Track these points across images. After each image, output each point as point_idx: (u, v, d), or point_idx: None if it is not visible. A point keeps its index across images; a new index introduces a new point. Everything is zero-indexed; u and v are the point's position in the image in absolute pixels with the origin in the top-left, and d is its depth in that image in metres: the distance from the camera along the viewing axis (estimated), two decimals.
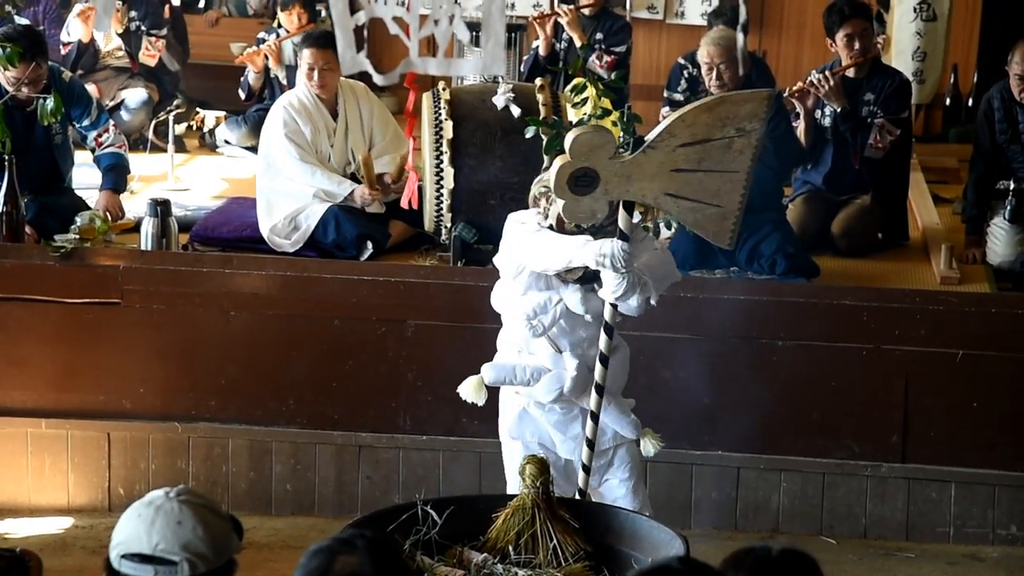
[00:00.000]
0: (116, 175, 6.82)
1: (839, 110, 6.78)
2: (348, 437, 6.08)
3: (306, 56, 6.73)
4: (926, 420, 5.89)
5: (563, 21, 8.40)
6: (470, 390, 4.67)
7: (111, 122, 6.95)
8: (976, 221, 6.74)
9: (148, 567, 2.67)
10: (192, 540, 2.68)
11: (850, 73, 6.88)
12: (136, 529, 2.70)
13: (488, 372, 4.63)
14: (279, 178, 6.64)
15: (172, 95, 8.83)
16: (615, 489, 4.71)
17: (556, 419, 4.66)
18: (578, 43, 8.30)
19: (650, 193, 4.29)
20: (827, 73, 6.81)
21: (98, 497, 6.15)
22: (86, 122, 6.76)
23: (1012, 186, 6.60)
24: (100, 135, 6.79)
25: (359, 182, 6.70)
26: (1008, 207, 6.61)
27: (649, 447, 4.63)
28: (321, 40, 6.71)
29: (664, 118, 8.00)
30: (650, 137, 4.27)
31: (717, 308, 5.91)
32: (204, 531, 2.69)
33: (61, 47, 8.48)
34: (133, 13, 8.73)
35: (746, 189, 4.37)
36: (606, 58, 8.32)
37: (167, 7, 9.17)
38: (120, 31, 8.66)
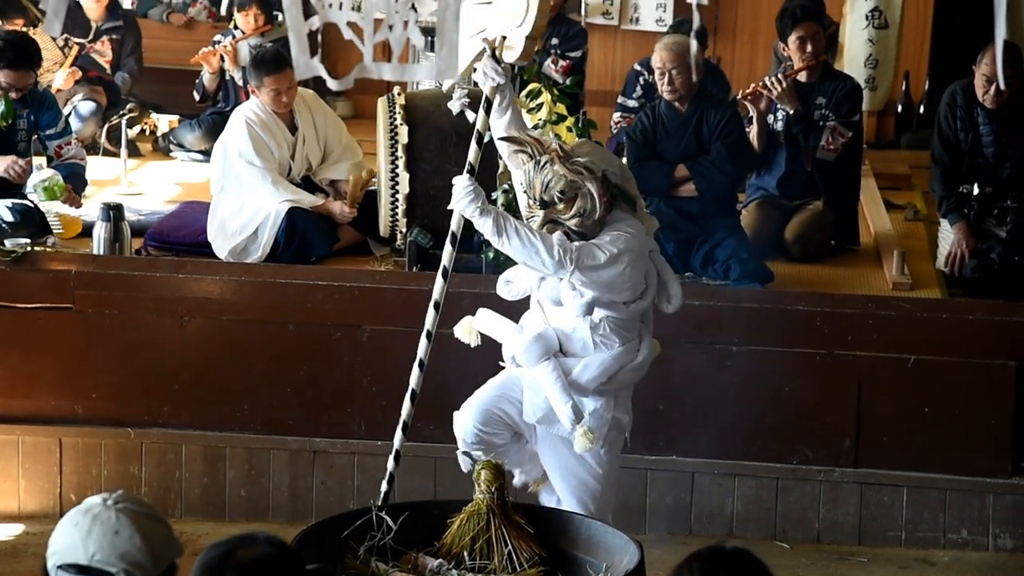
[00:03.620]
0: (75, 182, 6.78)
1: (791, 112, 6.83)
2: (303, 442, 6.06)
3: (269, 83, 6.59)
4: (878, 425, 5.92)
5: None
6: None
7: (74, 135, 6.96)
8: (957, 209, 6.59)
9: None
10: (130, 550, 2.63)
11: (802, 77, 6.93)
12: (72, 538, 2.65)
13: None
14: (240, 196, 6.56)
15: (123, 100, 8.77)
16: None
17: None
18: None
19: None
20: (779, 76, 6.86)
21: (49, 503, 6.10)
22: (51, 131, 6.77)
23: (975, 191, 6.62)
24: (62, 147, 6.80)
25: (312, 190, 6.73)
26: (973, 211, 6.61)
27: (578, 443, 4.49)
28: (277, 63, 6.59)
29: (615, 125, 8.15)
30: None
31: (671, 313, 5.92)
32: (142, 540, 2.65)
33: None
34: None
35: None
36: (561, 63, 8.33)
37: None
38: (66, 55, 8.54)
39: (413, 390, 4.61)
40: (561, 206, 4.38)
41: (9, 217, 6.47)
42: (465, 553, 4.08)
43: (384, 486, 4.70)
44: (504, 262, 4.65)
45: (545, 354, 4.51)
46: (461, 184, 4.36)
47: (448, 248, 4.52)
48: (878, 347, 5.88)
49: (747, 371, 5.89)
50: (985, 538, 5.93)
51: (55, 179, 6.48)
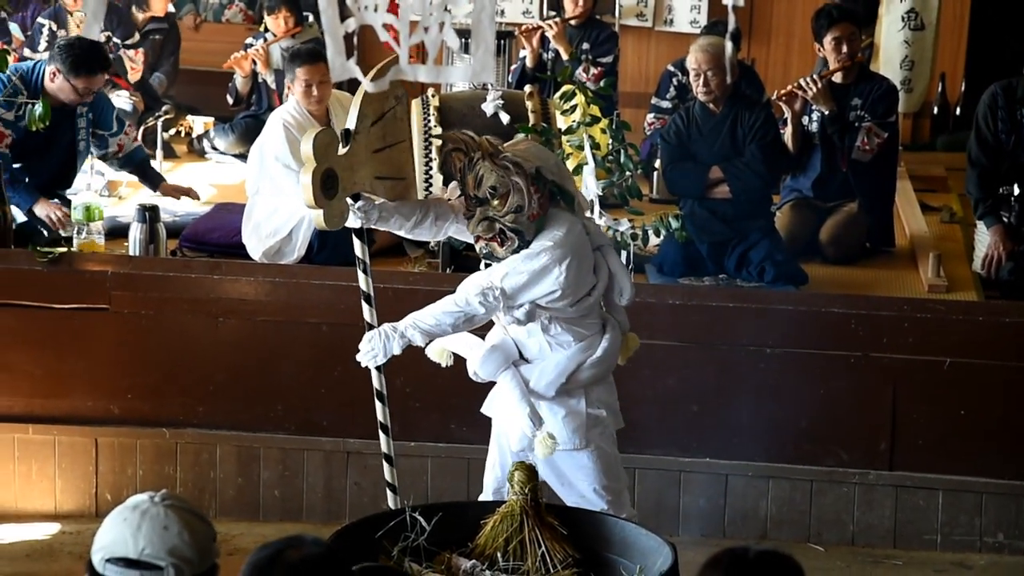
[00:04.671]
0: (145, 168, 7.01)
1: (826, 113, 6.81)
2: (336, 443, 6.07)
3: (300, 74, 6.61)
4: (914, 428, 5.90)
5: (549, 34, 8.41)
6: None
7: (127, 125, 7.09)
8: (993, 212, 6.55)
9: (134, 571, 2.67)
10: (178, 545, 2.68)
11: (837, 79, 6.91)
12: (122, 533, 2.70)
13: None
14: (275, 199, 6.56)
15: (159, 102, 8.82)
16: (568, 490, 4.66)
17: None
18: (564, 56, 8.31)
19: (367, 180, 4.36)
20: (815, 76, 6.84)
21: (85, 503, 6.14)
22: (110, 131, 6.87)
23: (1016, 192, 6.57)
24: (122, 142, 6.92)
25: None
26: (1013, 212, 6.57)
27: (539, 448, 4.43)
28: (311, 55, 6.62)
29: (649, 126, 8.14)
30: (351, 123, 4.31)
31: (705, 315, 5.92)
32: (190, 536, 2.70)
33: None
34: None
35: (413, 157, 4.54)
36: (592, 70, 8.33)
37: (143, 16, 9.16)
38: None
39: (378, 391, 4.61)
40: (496, 203, 4.33)
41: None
42: (498, 554, 4.07)
43: (390, 496, 4.70)
44: None
45: (503, 364, 4.50)
46: (364, 343, 4.42)
47: (363, 276, 4.54)
48: (913, 350, 5.86)
49: (781, 373, 5.88)
50: (1022, 542, 5.89)
51: (97, 205, 6.53)
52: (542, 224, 4.38)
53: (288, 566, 2.59)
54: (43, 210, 6.55)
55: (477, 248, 4.46)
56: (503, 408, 4.57)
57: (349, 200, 4.36)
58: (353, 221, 4.39)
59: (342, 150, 4.27)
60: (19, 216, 6.57)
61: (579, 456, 4.56)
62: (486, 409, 4.68)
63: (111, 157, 6.96)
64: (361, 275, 4.53)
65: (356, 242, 4.48)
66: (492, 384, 4.63)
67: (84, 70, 6.49)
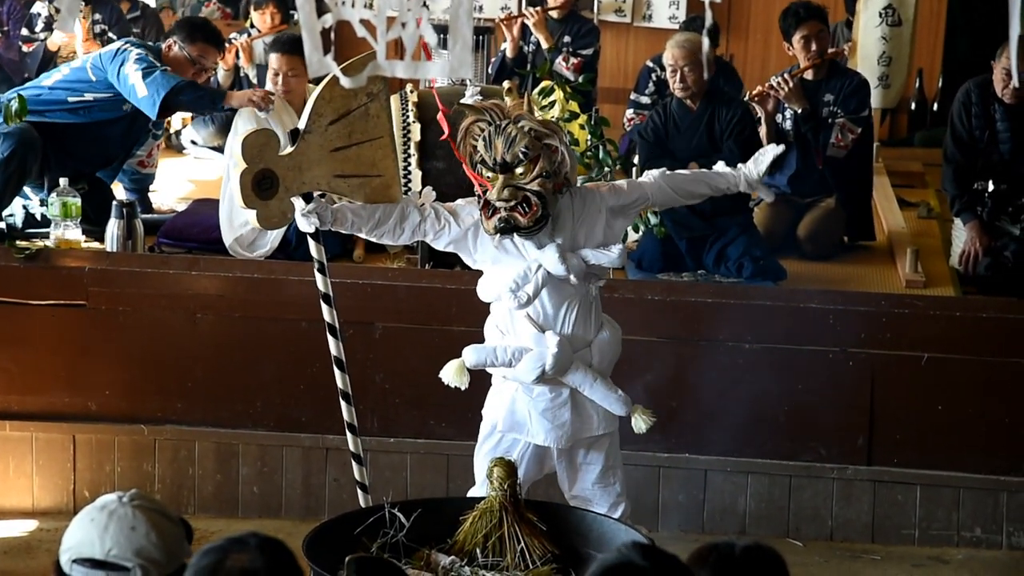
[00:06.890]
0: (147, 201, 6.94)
1: (799, 112, 6.82)
2: (315, 439, 6.07)
3: (273, 61, 6.65)
4: (892, 423, 5.91)
5: (530, 23, 8.42)
6: (451, 373, 4.54)
7: (159, 142, 7.13)
8: (969, 208, 6.56)
9: (100, 572, 2.65)
10: (145, 546, 2.66)
11: (809, 75, 6.93)
12: (89, 534, 2.68)
13: (469, 354, 4.51)
14: None
15: None
16: (590, 474, 4.64)
17: (544, 406, 4.51)
18: (545, 46, 8.31)
19: (323, 179, 4.38)
20: (786, 76, 6.85)
21: (63, 500, 6.12)
22: (159, 131, 6.90)
23: (991, 188, 6.59)
24: (151, 151, 6.92)
25: None
26: (987, 208, 6.59)
27: (640, 423, 4.51)
28: (288, 46, 6.63)
29: (628, 122, 8.15)
30: (303, 123, 4.31)
31: (684, 311, 5.93)
32: (158, 537, 2.67)
33: (22, 45, 8.46)
34: (97, 16, 8.67)
35: (395, 152, 4.53)
36: (573, 60, 8.34)
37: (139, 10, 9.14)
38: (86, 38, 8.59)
39: (343, 391, 4.61)
40: (521, 169, 4.29)
41: (19, 222, 6.57)
42: (478, 550, 4.08)
43: (360, 495, 4.69)
44: None
45: (570, 359, 4.47)
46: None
47: (320, 277, 4.58)
48: (891, 345, 5.87)
49: (760, 369, 5.88)
50: (999, 536, 5.92)
51: (75, 202, 6.50)
52: (557, 201, 4.35)
53: None
54: (238, 101, 6.57)
55: (490, 225, 4.34)
56: (555, 403, 4.53)
57: (298, 201, 4.34)
58: (302, 223, 4.36)
59: (288, 149, 4.26)
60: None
61: (612, 436, 4.62)
62: (527, 379, 4.53)
63: (128, 167, 6.94)
64: (319, 276, 4.52)
65: (312, 243, 4.48)
66: (479, 381, 4.62)
67: (200, 36, 6.59)
